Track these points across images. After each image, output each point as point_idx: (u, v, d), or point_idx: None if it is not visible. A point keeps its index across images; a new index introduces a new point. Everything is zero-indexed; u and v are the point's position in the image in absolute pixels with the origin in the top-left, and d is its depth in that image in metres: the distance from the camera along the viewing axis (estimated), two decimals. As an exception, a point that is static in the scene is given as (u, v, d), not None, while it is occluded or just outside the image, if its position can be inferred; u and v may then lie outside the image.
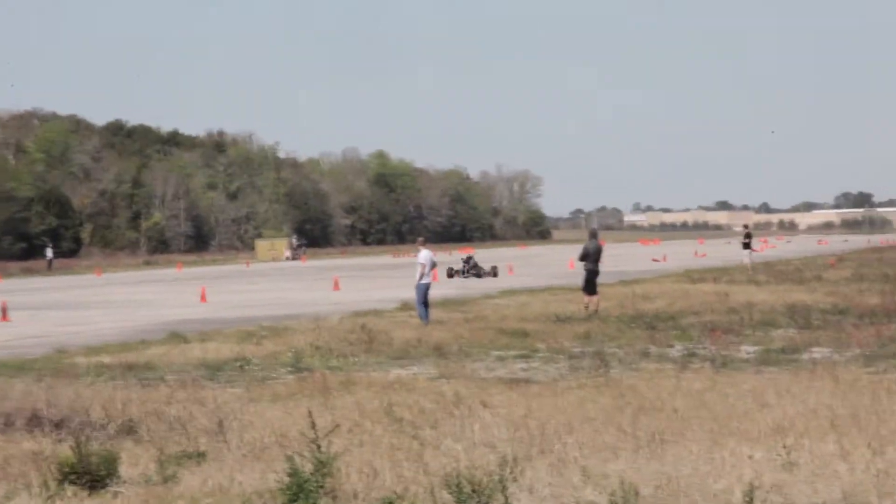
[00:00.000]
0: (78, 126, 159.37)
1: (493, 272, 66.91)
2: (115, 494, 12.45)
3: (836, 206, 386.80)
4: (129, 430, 15.58)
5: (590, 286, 35.91)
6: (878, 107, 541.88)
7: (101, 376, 22.18)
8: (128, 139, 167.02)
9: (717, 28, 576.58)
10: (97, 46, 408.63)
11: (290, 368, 22.96)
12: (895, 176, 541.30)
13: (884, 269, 59.62)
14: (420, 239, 37.76)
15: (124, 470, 13.26)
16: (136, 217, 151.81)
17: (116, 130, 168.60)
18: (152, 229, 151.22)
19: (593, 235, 37.94)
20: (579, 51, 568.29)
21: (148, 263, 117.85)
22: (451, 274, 67.04)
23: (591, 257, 36.38)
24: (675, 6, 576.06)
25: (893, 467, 12.18)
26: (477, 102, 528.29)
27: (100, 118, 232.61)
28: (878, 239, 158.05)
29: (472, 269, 67.51)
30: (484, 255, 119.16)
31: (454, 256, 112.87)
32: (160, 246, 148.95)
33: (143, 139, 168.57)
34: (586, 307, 35.10)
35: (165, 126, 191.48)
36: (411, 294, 35.06)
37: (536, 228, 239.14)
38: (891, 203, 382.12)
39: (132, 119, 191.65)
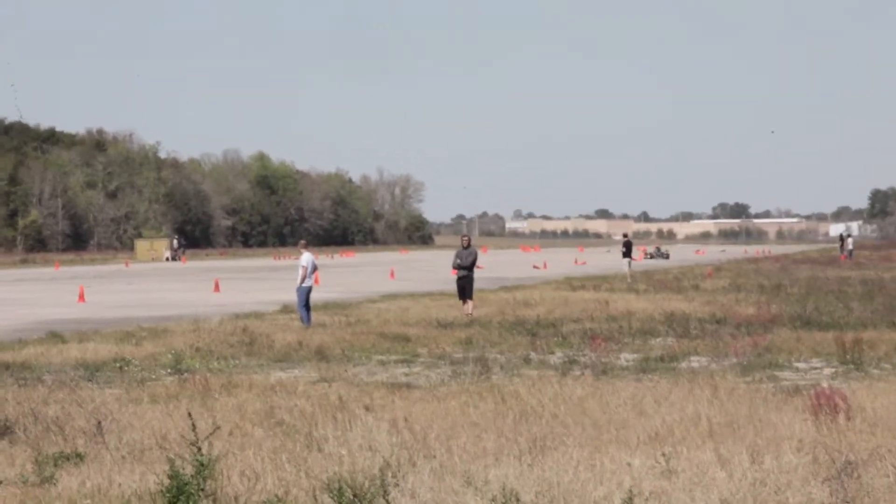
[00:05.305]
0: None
1: (666, 255, 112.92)
2: (-9, 495, 12.26)
3: (714, 217, 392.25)
4: (4, 430, 15.34)
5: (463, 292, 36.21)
6: (754, 122, 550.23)
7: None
8: (4, 136, 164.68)
9: (599, 34, 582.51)
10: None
11: (170, 370, 22.73)
12: (770, 188, 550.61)
13: (760, 279, 60.49)
14: (302, 242, 37.73)
15: (0, 470, 13.07)
16: (12, 215, 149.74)
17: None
18: (29, 227, 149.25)
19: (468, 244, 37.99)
20: (459, 58, 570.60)
21: (25, 262, 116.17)
22: (649, 256, 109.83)
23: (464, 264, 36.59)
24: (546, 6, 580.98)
25: (770, 475, 12.35)
26: (359, 107, 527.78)
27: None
28: (754, 249, 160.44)
29: (660, 254, 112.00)
30: (365, 259, 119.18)
31: (336, 260, 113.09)
32: (37, 244, 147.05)
33: (20, 136, 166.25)
34: (467, 314, 35.28)
35: (44, 123, 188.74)
36: (293, 297, 34.93)
37: (418, 233, 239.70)
38: (766, 214, 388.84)
39: (9, 116, 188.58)
